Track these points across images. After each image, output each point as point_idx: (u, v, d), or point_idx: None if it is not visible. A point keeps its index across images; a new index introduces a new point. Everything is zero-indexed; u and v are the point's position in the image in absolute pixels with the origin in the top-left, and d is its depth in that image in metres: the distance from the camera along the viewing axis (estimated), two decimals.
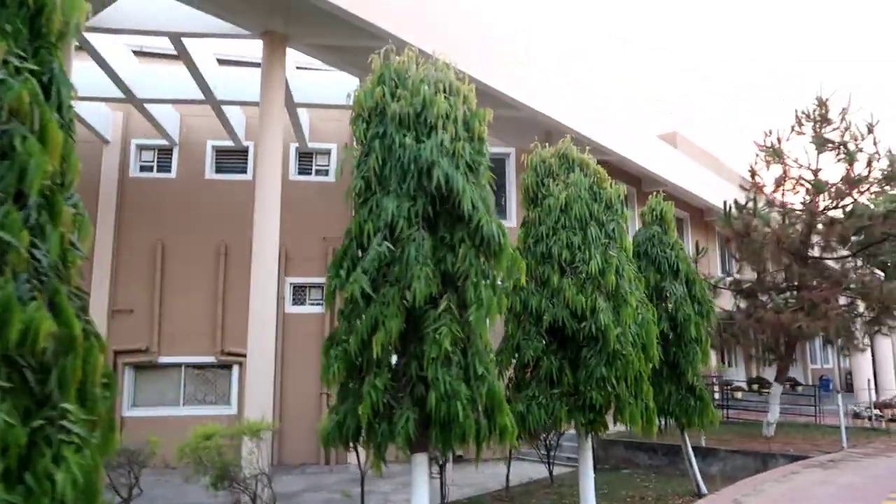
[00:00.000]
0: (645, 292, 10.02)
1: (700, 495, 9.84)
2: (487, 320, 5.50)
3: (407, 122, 5.65)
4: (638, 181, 19.83)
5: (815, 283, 13.70)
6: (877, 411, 16.85)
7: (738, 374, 26.07)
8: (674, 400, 9.75)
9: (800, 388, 30.80)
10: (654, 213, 10.48)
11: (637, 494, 10.59)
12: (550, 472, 11.90)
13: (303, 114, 15.27)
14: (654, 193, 10.80)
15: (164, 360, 14.20)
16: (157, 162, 15.14)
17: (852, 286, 12.69)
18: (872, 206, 13.39)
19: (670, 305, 9.82)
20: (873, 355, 25.36)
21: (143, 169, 15.09)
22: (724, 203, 13.77)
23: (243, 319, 10.40)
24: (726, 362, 25.23)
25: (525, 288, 8.08)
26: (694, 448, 12.75)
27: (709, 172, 20.48)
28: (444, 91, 5.79)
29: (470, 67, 6.73)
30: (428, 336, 5.38)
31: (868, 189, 13.76)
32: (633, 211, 19.64)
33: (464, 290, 5.54)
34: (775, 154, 13.62)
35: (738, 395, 23.04)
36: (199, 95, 12.60)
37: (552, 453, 11.87)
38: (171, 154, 15.15)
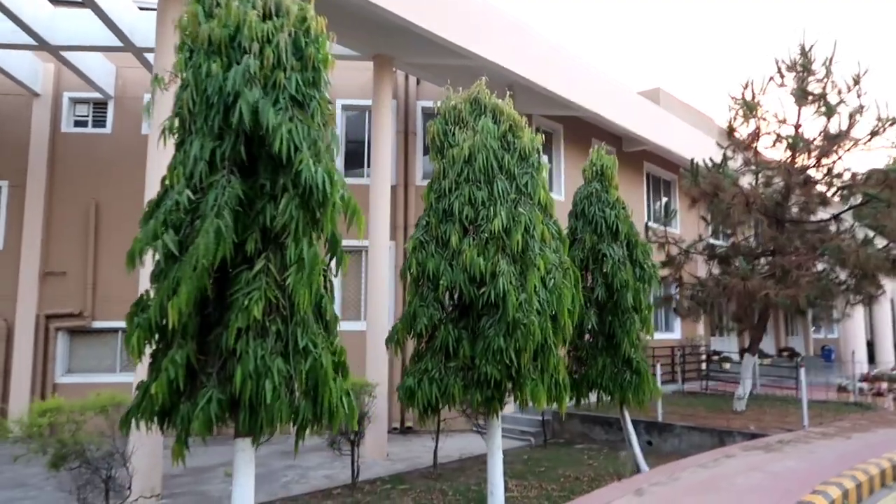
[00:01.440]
0: (580, 255, 9.15)
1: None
2: (312, 284, 4.63)
3: (218, 47, 4.72)
4: (618, 141, 18.67)
5: (792, 248, 12.64)
6: (863, 384, 15.85)
7: (729, 345, 25.08)
8: (608, 373, 8.87)
9: (798, 359, 29.85)
10: (595, 168, 9.47)
11: (575, 473, 9.81)
12: None
13: None
14: (602, 149, 9.76)
15: (98, 324, 13.56)
16: (92, 117, 14.29)
17: (828, 251, 11.61)
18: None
19: (607, 270, 8.88)
20: (871, 323, 24.22)
21: (77, 124, 14.25)
22: (692, 161, 12.65)
23: None
24: (716, 331, 24.23)
25: (425, 249, 7.23)
26: (649, 423, 11.98)
27: (696, 130, 19.23)
28: (267, 10, 4.84)
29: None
30: (236, 302, 4.54)
31: (854, 146, 12.57)
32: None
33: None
34: (748, 108, 12.44)
35: (727, 365, 22.14)
36: (117, 42, 11.67)
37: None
38: (107, 108, 14.30)
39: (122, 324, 4.98)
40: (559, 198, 16.40)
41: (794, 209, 12.91)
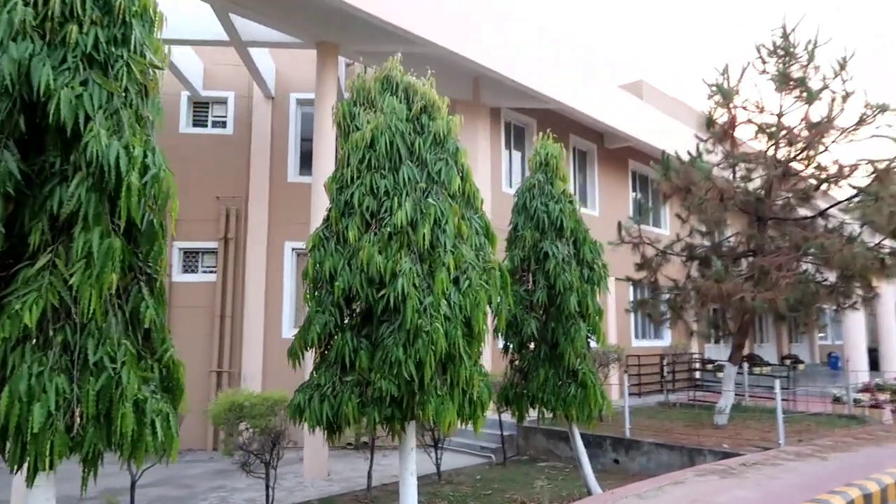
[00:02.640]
0: (520, 254, 8.24)
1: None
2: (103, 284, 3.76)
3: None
4: (600, 137, 17.72)
5: (774, 247, 11.63)
6: (861, 395, 14.75)
7: (726, 352, 23.90)
8: (550, 387, 7.92)
9: (801, 367, 28.56)
10: (539, 157, 8.55)
11: (523, 497, 8.85)
12: (438, 466, 10.21)
13: (193, 57, 13.56)
14: (548, 137, 8.84)
15: None
16: None
17: (811, 250, 10.59)
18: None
19: (549, 270, 7.95)
20: (875, 326, 22.98)
21: None
22: (662, 154, 11.67)
23: None
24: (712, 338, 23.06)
25: (325, 247, 6.35)
26: (616, 440, 11.00)
27: (683, 125, 18.22)
28: None
29: None
30: (8, 306, 3.68)
31: (841, 136, 11.55)
32: (594, 172, 17.64)
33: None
34: (724, 95, 11.45)
35: (721, 374, 21.01)
36: None
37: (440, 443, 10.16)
38: None
39: None
40: None
41: (778, 205, 11.89)
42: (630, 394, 17.76)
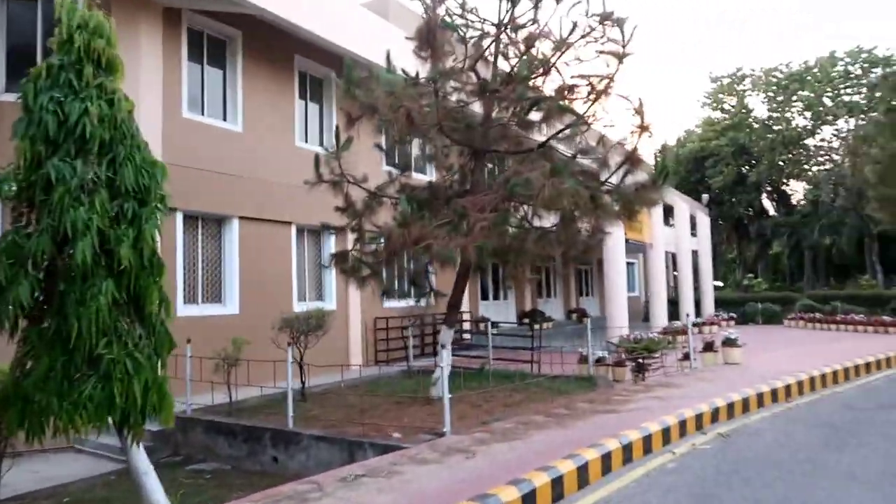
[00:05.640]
0: (11, 179, 5.26)
1: None
2: None
3: None
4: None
5: (487, 186, 9.59)
6: (605, 353, 13.53)
7: (506, 310, 22.73)
8: (54, 383, 5.10)
9: (586, 321, 28.32)
10: (63, 30, 5.52)
11: None
12: None
13: None
14: None
15: None
16: None
17: (516, 188, 8.61)
18: None
19: (53, 203, 5.07)
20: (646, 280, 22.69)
21: None
22: (345, 63, 9.14)
23: None
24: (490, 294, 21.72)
25: None
26: (276, 432, 8.52)
27: None
28: None
29: None
30: None
31: (567, 50, 9.62)
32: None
33: None
34: None
35: (495, 330, 19.58)
36: None
37: None
38: None
39: None
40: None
41: (494, 135, 9.84)
42: (378, 361, 15.80)
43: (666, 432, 7.13)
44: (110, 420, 5.29)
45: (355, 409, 9.81)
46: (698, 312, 27.80)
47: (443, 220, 8.89)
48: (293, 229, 13.43)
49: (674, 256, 27.93)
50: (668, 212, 29.28)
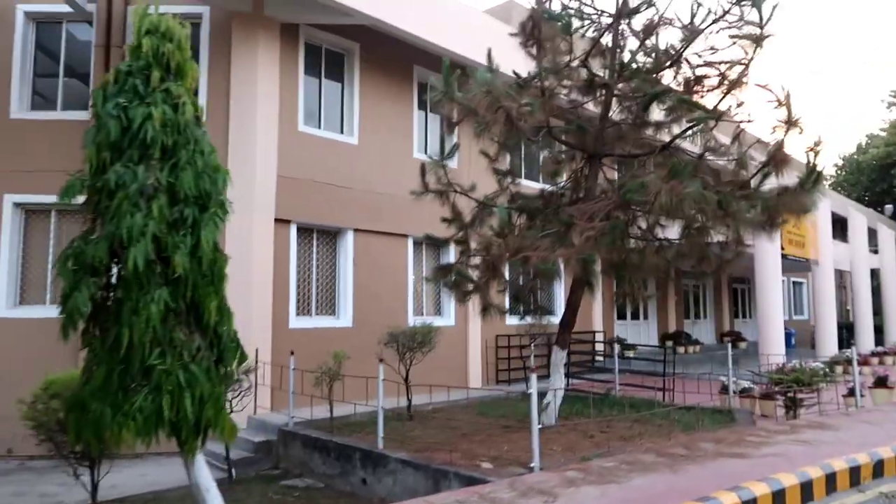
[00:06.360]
0: (78, 185, 5.29)
1: None
2: None
3: None
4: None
5: (601, 192, 8.66)
6: (750, 384, 11.84)
7: (647, 331, 21.02)
8: (109, 394, 4.97)
9: (742, 346, 25.56)
10: (137, 39, 5.51)
11: None
12: (94, 488, 7.32)
13: None
14: None
15: None
16: None
17: (630, 193, 7.59)
18: None
19: (112, 210, 4.99)
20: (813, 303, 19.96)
21: None
22: (444, 64, 8.60)
23: None
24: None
25: None
26: (366, 453, 8.12)
27: None
28: None
29: None
30: None
31: (697, 36, 8.49)
32: None
33: None
34: None
35: (631, 354, 18.10)
36: None
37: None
38: None
39: None
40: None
41: (610, 137, 8.87)
42: (500, 381, 15.09)
43: (806, 487, 5.77)
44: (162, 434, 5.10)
45: (458, 431, 9.18)
46: (879, 340, 24.18)
47: (548, 231, 8.07)
48: (410, 242, 13.16)
49: (850, 275, 24.55)
50: (843, 225, 25.88)
